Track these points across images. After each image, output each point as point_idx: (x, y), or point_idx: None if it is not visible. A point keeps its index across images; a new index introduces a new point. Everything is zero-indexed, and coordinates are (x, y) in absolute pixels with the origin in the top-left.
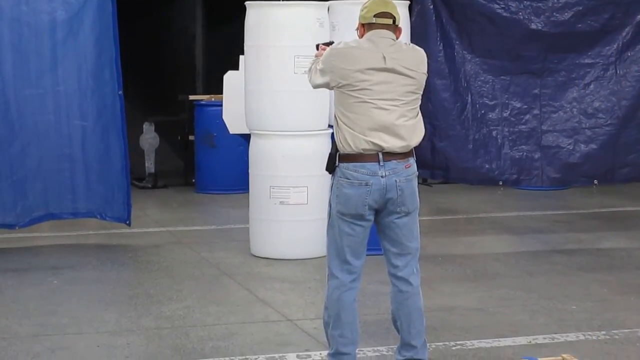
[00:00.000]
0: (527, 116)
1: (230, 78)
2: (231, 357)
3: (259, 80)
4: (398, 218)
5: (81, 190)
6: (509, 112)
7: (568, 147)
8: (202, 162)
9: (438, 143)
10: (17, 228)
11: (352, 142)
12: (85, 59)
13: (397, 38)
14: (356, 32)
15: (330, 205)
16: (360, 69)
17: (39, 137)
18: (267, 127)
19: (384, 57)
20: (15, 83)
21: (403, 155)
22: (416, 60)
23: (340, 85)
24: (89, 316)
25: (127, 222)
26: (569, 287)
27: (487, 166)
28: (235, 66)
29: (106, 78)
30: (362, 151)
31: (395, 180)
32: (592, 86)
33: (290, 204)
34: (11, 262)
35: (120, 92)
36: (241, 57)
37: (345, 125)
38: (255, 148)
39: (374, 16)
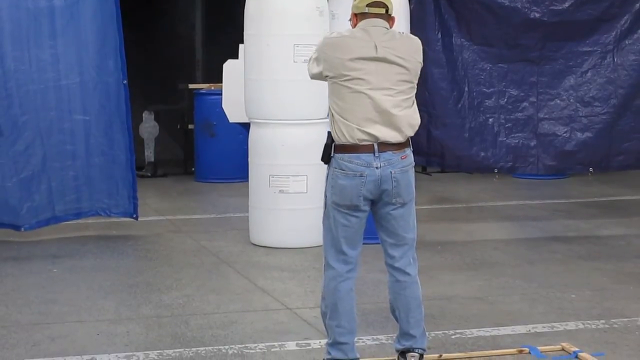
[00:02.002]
0: (524, 104)
1: (230, 67)
2: (231, 346)
3: (259, 69)
4: (394, 209)
5: (84, 189)
6: (505, 99)
7: (564, 135)
8: (201, 151)
9: (434, 131)
10: (22, 230)
11: (346, 133)
12: (87, 50)
13: (390, 27)
14: (349, 22)
15: (325, 196)
16: (352, 58)
17: (43, 135)
18: (266, 116)
19: (376, 46)
20: (18, 77)
21: (399, 145)
22: (410, 49)
23: (333, 75)
24: (89, 304)
25: (134, 216)
26: (568, 276)
27: (482, 154)
28: (235, 55)
29: (110, 68)
30: (357, 142)
31: (391, 172)
32: (589, 74)
33: (289, 192)
34: (11, 250)
35: (125, 82)
36: (241, 45)
37: (340, 116)
38: (254, 137)
39: (367, 5)
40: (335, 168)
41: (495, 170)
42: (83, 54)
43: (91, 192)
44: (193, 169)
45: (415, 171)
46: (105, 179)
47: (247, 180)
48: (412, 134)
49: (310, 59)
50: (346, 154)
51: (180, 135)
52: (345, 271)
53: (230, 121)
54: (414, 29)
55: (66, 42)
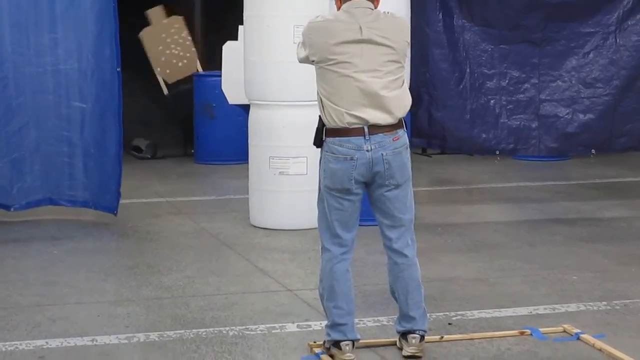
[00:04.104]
0: (526, 85)
1: (229, 48)
2: (231, 327)
3: (259, 51)
4: (388, 191)
5: (79, 177)
6: (507, 81)
7: (566, 116)
8: (201, 133)
9: (435, 113)
10: (12, 210)
11: (336, 118)
12: (86, 35)
13: (375, 7)
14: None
15: (319, 180)
16: (337, 42)
17: (38, 118)
18: (266, 97)
19: (361, 28)
20: (15, 59)
21: (390, 127)
22: (396, 28)
23: (319, 60)
24: (89, 286)
25: (115, 213)
26: (569, 258)
27: (484, 136)
28: (234, 36)
29: (106, 56)
30: (347, 125)
31: (382, 154)
32: (591, 55)
33: (289, 174)
34: (11, 232)
35: (119, 69)
36: (240, 27)
37: (328, 100)
38: (254, 118)
39: None
40: (327, 152)
41: (497, 152)
42: (82, 40)
43: (86, 182)
44: (192, 151)
45: (415, 153)
46: (99, 171)
47: (247, 162)
48: (403, 115)
49: (298, 43)
50: (337, 138)
51: (180, 117)
52: (340, 253)
53: (230, 103)
54: (415, 10)
55: (66, 27)
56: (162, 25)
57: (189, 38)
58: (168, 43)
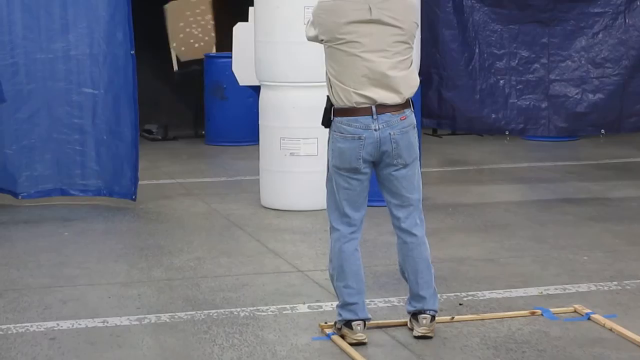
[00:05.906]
0: (535, 65)
1: (239, 29)
2: (242, 308)
3: (269, 32)
4: (396, 170)
5: (91, 166)
6: (516, 61)
7: (575, 96)
8: (211, 114)
9: (445, 93)
10: (20, 197)
11: (343, 97)
12: (98, 20)
13: None
14: None
15: (327, 160)
16: (346, 22)
17: (49, 105)
18: (277, 78)
19: (370, 9)
20: (26, 45)
21: (398, 107)
22: (404, 9)
23: (328, 39)
24: (100, 268)
25: (133, 198)
26: (580, 238)
27: (493, 116)
28: (245, 17)
29: (119, 39)
30: (354, 105)
31: (390, 133)
32: (600, 35)
33: (300, 155)
34: (22, 214)
35: (133, 52)
36: (250, 8)
37: (336, 80)
38: (265, 99)
39: None
40: (335, 131)
41: (507, 132)
42: (93, 25)
43: (98, 170)
44: (203, 132)
45: (425, 133)
46: (112, 157)
47: (258, 143)
48: (410, 95)
49: (307, 22)
50: (344, 117)
51: (191, 98)
52: (349, 232)
53: (241, 84)
54: None
55: (77, 11)
56: (188, 3)
57: (212, 22)
58: (190, 22)
